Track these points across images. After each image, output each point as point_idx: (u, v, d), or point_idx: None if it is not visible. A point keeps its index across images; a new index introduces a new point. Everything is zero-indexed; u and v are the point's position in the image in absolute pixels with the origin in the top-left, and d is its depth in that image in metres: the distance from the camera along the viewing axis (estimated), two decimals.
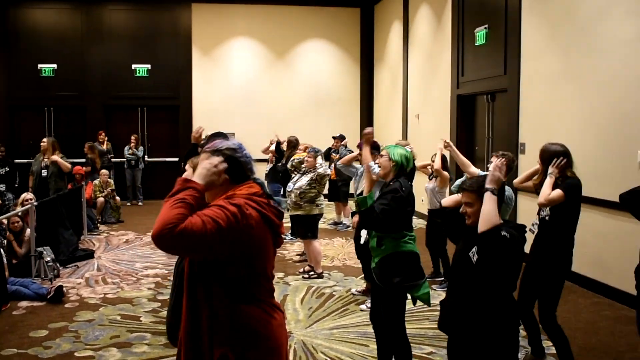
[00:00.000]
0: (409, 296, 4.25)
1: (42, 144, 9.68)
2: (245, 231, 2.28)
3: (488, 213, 3.00)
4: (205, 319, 2.33)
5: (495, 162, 3.20)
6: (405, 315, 4.25)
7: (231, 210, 2.24)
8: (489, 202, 3.02)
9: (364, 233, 4.93)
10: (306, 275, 7.41)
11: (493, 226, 2.96)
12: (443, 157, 6.88)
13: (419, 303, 5.45)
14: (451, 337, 3.27)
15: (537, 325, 4.67)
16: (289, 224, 9.71)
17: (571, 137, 6.94)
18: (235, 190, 2.38)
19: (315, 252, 7.43)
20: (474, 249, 3.05)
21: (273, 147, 10.30)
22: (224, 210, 2.22)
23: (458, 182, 5.62)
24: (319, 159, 7.55)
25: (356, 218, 5.10)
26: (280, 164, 9.69)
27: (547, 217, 4.47)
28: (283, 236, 2.57)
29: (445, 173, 6.92)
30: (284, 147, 9.80)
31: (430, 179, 7.18)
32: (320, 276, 7.39)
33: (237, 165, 2.42)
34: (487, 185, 3.07)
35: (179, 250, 2.27)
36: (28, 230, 7.53)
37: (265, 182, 10.23)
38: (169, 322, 4.95)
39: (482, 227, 3.00)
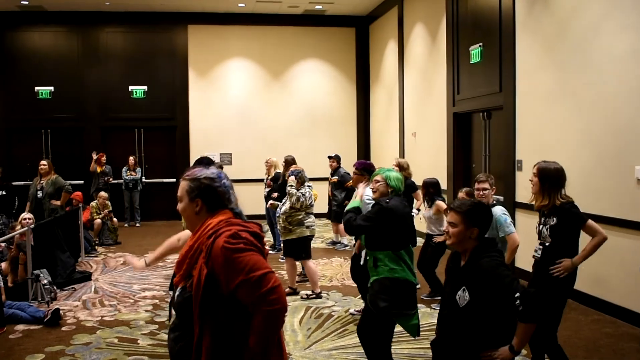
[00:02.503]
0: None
1: (41, 166, 9.65)
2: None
3: None
4: (208, 337, 2.31)
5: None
6: (399, 335, 4.20)
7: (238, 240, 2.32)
8: None
9: (363, 253, 4.94)
10: (304, 296, 7.37)
11: None
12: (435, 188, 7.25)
13: None
14: None
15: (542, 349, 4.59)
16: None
17: (567, 153, 6.96)
18: (208, 221, 2.44)
19: (311, 272, 7.39)
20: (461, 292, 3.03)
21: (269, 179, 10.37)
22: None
23: None
24: (294, 191, 7.28)
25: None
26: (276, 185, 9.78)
27: (547, 244, 4.40)
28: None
29: (439, 203, 7.02)
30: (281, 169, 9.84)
31: (427, 207, 7.23)
32: (318, 296, 7.35)
33: (213, 194, 2.51)
34: None
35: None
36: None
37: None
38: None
39: None
